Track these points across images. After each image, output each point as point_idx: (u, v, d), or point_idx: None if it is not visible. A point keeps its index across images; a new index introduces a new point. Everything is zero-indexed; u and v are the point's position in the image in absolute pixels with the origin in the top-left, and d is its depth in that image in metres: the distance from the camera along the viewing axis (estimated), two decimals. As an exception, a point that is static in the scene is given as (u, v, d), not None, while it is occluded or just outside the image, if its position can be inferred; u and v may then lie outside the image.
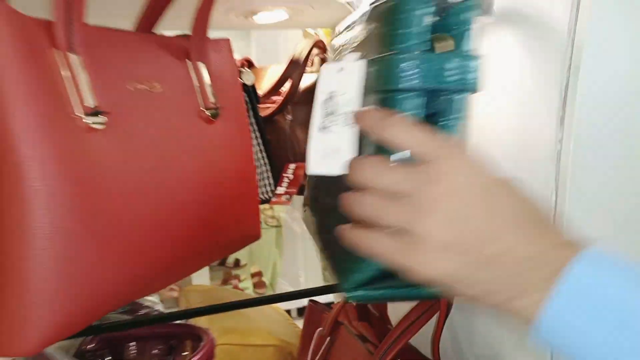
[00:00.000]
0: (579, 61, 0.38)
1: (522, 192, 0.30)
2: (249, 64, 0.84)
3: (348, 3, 0.77)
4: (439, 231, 0.28)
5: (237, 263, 3.49)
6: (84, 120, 0.33)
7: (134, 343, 0.53)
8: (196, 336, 0.46)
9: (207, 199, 0.43)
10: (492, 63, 0.46)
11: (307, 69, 0.80)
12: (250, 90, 0.71)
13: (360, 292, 0.36)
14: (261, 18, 0.79)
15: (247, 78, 0.72)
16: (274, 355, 0.73)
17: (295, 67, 0.79)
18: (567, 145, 0.39)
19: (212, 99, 0.45)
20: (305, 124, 0.59)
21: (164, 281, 0.40)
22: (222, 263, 3.45)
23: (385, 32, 0.34)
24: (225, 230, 0.45)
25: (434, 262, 0.28)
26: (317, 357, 0.60)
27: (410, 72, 0.32)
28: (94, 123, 0.33)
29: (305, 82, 0.80)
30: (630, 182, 0.39)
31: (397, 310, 0.56)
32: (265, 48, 1.37)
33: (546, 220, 0.30)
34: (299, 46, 0.80)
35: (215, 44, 0.47)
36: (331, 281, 0.44)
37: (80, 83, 0.33)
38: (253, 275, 3.49)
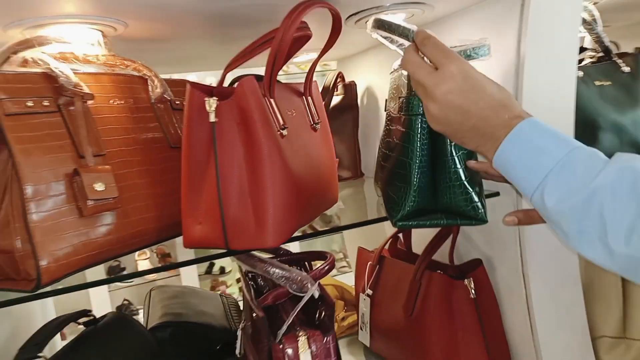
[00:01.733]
0: (521, 90, 0.73)
1: (498, 86, 0.53)
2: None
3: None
4: (439, 108, 0.53)
5: (222, 270, 3.71)
6: (280, 132, 0.64)
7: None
8: (322, 256, 0.77)
9: (320, 173, 0.74)
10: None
11: (334, 93, 1.13)
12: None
13: (404, 223, 0.67)
14: (298, 59, 1.12)
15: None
16: (332, 290, 1.05)
17: (326, 92, 1.12)
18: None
19: (315, 118, 0.77)
20: (335, 131, 0.91)
21: (310, 218, 0.71)
22: (209, 271, 3.66)
23: (407, 81, 0.67)
24: (328, 193, 0.77)
25: (435, 125, 0.56)
26: (371, 281, 0.92)
27: (415, 104, 0.64)
28: (283, 132, 0.64)
29: (334, 102, 1.13)
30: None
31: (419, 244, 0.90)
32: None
33: (509, 101, 0.52)
34: (328, 78, 1.13)
35: (315, 85, 0.79)
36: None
37: (276, 113, 0.64)
38: (239, 280, 3.73)
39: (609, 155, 0.90)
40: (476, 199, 0.64)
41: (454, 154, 0.64)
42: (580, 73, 0.85)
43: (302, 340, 0.62)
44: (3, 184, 0.57)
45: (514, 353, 0.83)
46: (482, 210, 0.64)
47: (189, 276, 2.86)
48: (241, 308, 1.10)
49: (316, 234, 0.75)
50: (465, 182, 0.64)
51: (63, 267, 0.55)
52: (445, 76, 0.53)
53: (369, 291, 0.91)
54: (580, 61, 0.96)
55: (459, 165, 0.64)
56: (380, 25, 0.68)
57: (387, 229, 1.11)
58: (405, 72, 0.68)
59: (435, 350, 0.78)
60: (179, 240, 0.70)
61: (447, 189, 0.65)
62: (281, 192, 0.61)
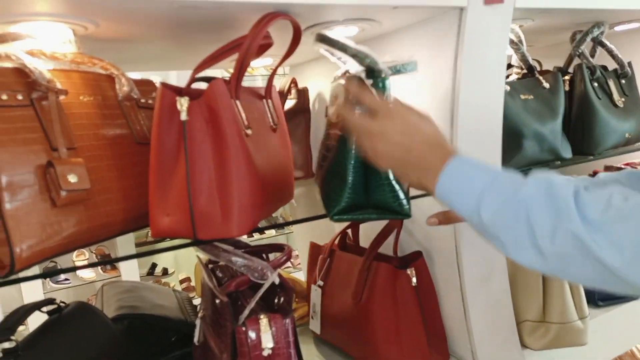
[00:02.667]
0: (458, 99, 0.83)
1: (432, 125, 0.63)
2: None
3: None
4: (384, 146, 0.63)
5: (165, 271, 3.65)
6: (246, 132, 0.69)
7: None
8: (280, 248, 0.82)
9: (279, 170, 0.80)
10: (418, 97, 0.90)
11: (288, 97, 1.20)
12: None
13: (339, 217, 0.75)
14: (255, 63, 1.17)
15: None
16: (284, 283, 1.10)
17: (280, 97, 1.18)
18: (455, 139, 0.84)
19: (275, 119, 0.83)
20: (289, 133, 0.97)
21: (270, 211, 0.77)
22: (152, 273, 3.59)
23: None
24: (286, 188, 0.83)
25: (381, 162, 0.64)
26: (322, 272, 0.99)
27: None
28: (248, 132, 0.70)
29: (287, 105, 1.19)
30: (479, 154, 0.85)
31: (366, 237, 0.97)
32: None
33: (441, 140, 0.62)
34: (282, 83, 1.19)
35: (274, 89, 0.85)
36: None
37: (242, 114, 0.69)
38: (182, 282, 3.68)
39: (531, 161, 1.01)
40: (402, 196, 0.73)
41: None
42: (508, 87, 0.96)
43: (264, 322, 0.67)
44: (-25, 174, 0.58)
45: (449, 335, 0.93)
46: (407, 206, 0.73)
47: (131, 277, 2.81)
48: (194, 303, 1.13)
49: (273, 226, 0.81)
50: (393, 182, 0.72)
51: (36, 254, 0.57)
52: (387, 120, 0.63)
53: (320, 282, 0.98)
54: (507, 77, 1.08)
55: None
56: (322, 39, 0.75)
57: (336, 225, 1.18)
58: (342, 82, 0.76)
59: (379, 333, 0.85)
60: (120, 239, 0.74)
61: (378, 187, 0.73)
62: (246, 186, 0.67)
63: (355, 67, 0.74)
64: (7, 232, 0.55)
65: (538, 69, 1.11)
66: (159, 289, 1.15)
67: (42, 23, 0.65)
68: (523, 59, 1.04)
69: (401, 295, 0.85)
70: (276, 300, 0.73)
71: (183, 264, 3.53)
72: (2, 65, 0.61)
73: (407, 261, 0.90)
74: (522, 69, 1.07)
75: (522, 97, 1.01)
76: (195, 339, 0.84)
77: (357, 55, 0.71)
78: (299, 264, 3.14)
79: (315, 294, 0.98)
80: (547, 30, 1.17)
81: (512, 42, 0.99)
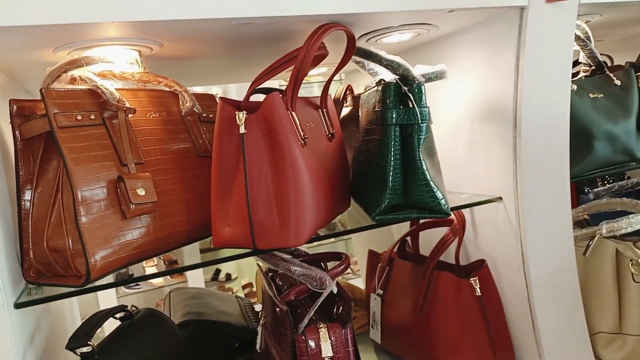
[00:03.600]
0: (521, 101, 0.79)
1: None
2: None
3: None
4: None
5: (228, 277, 3.75)
6: (301, 142, 0.70)
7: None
8: (338, 257, 0.82)
9: (336, 179, 0.81)
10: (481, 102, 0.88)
11: (344, 104, 1.20)
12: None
13: (382, 217, 0.74)
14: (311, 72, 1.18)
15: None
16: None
17: (336, 104, 1.18)
18: (519, 143, 0.80)
19: (331, 129, 0.83)
20: (345, 140, 0.97)
21: (327, 221, 0.77)
22: (216, 278, 3.70)
23: (381, 97, 0.74)
24: (343, 197, 0.83)
25: None
26: (382, 281, 0.98)
27: (389, 116, 0.72)
28: (304, 142, 0.70)
29: (343, 113, 1.19)
30: (545, 157, 0.81)
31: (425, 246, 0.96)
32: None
33: None
34: (338, 90, 1.20)
35: (329, 98, 0.85)
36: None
37: (298, 125, 0.70)
38: (244, 287, 3.77)
39: (603, 163, 0.96)
40: (440, 196, 0.73)
41: (421, 158, 0.73)
42: (575, 87, 0.91)
43: (323, 332, 0.67)
44: (54, 189, 0.63)
45: (516, 347, 0.89)
46: (446, 205, 0.73)
47: (196, 283, 2.91)
48: (256, 309, 1.16)
49: (331, 235, 0.82)
50: (431, 182, 0.72)
51: (109, 264, 0.61)
52: None
53: (380, 291, 0.97)
54: (575, 74, 1.03)
55: (425, 168, 0.73)
56: (357, 51, 0.76)
57: (395, 232, 1.17)
58: (379, 89, 0.76)
59: (442, 344, 0.83)
60: (186, 248, 0.77)
61: (416, 187, 0.73)
62: (302, 197, 0.67)
63: (389, 76, 0.76)
64: (83, 244, 0.59)
65: (609, 64, 1.05)
66: (222, 296, 1.18)
67: (112, 47, 0.69)
68: (591, 55, 0.98)
69: (464, 305, 0.83)
70: (335, 310, 0.73)
71: (245, 270, 3.62)
72: (77, 88, 0.65)
73: (470, 270, 0.87)
74: (590, 66, 1.01)
75: (592, 95, 0.95)
76: (258, 346, 0.86)
77: (391, 65, 0.73)
78: (358, 270, 3.13)
79: (375, 303, 0.97)
80: (617, 24, 1.10)
81: (578, 38, 0.94)
